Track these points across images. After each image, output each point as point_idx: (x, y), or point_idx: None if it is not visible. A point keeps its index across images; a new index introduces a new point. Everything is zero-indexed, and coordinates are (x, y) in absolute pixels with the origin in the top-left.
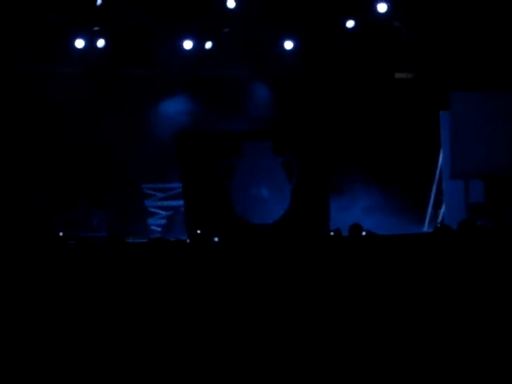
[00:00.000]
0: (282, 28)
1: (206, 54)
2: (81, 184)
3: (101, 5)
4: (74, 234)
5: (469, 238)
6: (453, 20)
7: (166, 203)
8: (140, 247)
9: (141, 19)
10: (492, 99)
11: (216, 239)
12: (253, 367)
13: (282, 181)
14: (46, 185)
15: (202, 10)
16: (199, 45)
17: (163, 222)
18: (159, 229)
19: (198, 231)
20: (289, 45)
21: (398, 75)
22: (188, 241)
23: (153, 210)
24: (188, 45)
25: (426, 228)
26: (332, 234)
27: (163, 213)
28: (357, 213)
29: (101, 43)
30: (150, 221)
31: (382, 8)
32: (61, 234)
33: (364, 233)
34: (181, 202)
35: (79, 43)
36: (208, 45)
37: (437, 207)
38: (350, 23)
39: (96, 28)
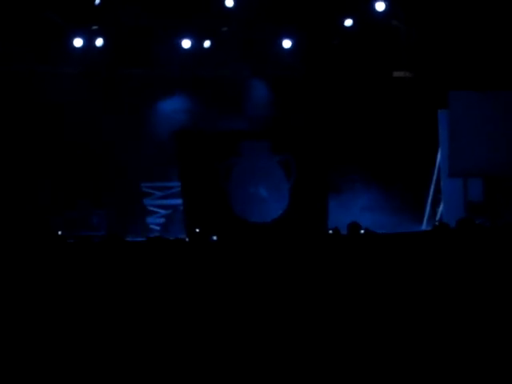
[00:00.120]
0: (281, 27)
1: (205, 53)
2: (80, 183)
3: (99, 4)
4: (74, 233)
5: (467, 236)
6: (451, 19)
7: (164, 202)
8: (139, 246)
9: (140, 19)
10: (490, 98)
11: (214, 238)
12: (252, 366)
13: (280, 180)
14: (45, 185)
15: (201, 10)
16: (198, 44)
17: (162, 220)
18: (158, 227)
19: (197, 230)
20: (287, 44)
21: (396, 74)
22: (187, 239)
23: (152, 208)
24: (187, 44)
25: (424, 226)
26: (330, 232)
27: (162, 211)
28: (355, 211)
29: (100, 43)
30: (149, 219)
31: (380, 7)
32: (59, 232)
33: (362, 231)
34: (180, 201)
35: (78, 42)
36: (207, 44)
37: (435, 205)
38: (349, 22)
39: (95, 27)
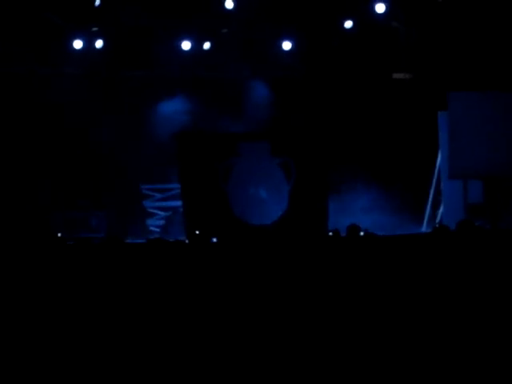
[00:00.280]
0: (281, 28)
1: (205, 54)
2: (80, 185)
3: (99, 5)
4: (74, 234)
5: (467, 238)
6: (451, 20)
7: (164, 204)
8: (139, 248)
9: (140, 19)
10: (490, 99)
11: (214, 240)
12: (252, 368)
13: (280, 182)
14: (45, 186)
15: (200, 11)
16: (198, 45)
17: (162, 222)
18: (158, 229)
19: (197, 232)
20: (287, 45)
21: (396, 75)
22: (187, 241)
23: (151, 210)
24: (187, 45)
25: (424, 228)
26: (330, 234)
27: (162, 213)
28: (355, 213)
29: (100, 44)
30: (149, 221)
31: (380, 8)
32: (59, 234)
33: (362, 233)
34: (180, 203)
35: (78, 44)
36: (206, 45)
37: (435, 207)
38: (349, 23)
39: (95, 29)
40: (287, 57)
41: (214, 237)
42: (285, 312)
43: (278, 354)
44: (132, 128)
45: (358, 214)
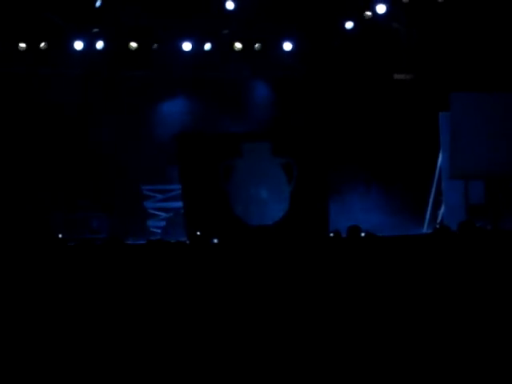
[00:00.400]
0: (282, 29)
1: (205, 54)
2: (81, 185)
3: (100, 6)
4: (75, 235)
5: (468, 239)
6: (452, 21)
7: (165, 205)
8: (140, 249)
9: (141, 19)
10: (492, 100)
11: (215, 240)
12: (252, 368)
13: (281, 182)
14: (46, 185)
15: (201, 11)
16: (199, 46)
17: (163, 223)
18: (159, 230)
19: (198, 232)
20: (288, 46)
21: (397, 76)
22: (187, 242)
23: (152, 211)
24: (187, 46)
25: (425, 229)
26: (331, 235)
27: (163, 214)
28: (356, 214)
29: (100, 45)
30: (150, 222)
31: (380, 9)
32: (60, 235)
33: (363, 234)
34: (180, 204)
35: (79, 45)
36: (207, 46)
37: (436, 208)
38: (349, 24)
39: (95, 30)
40: (288, 57)
41: (215, 237)
42: (286, 312)
43: (279, 354)
44: (132, 128)
45: (359, 214)
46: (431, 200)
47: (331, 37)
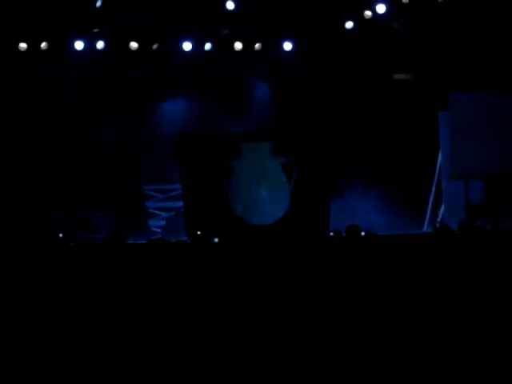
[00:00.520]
0: (282, 29)
1: (205, 54)
2: (81, 185)
3: (100, 6)
4: (75, 235)
5: (468, 238)
6: (451, 20)
7: (166, 204)
8: (140, 248)
9: (141, 19)
10: (491, 100)
11: (216, 240)
12: (252, 368)
13: (281, 182)
14: (46, 185)
15: (201, 11)
16: (199, 46)
17: (163, 223)
18: (159, 230)
19: (198, 232)
20: (288, 46)
21: (396, 76)
22: (188, 242)
23: (153, 211)
24: (187, 46)
25: (425, 228)
26: (332, 234)
27: (164, 214)
28: (356, 213)
29: (101, 45)
30: (151, 222)
31: (380, 9)
32: (60, 235)
33: (363, 233)
34: (181, 203)
35: (79, 45)
36: (207, 46)
37: (436, 207)
38: (349, 24)
39: (96, 30)
40: (289, 57)
41: (216, 237)
42: (286, 312)
43: (279, 354)
44: (133, 128)
45: (359, 214)
46: (431, 200)
47: (331, 37)
